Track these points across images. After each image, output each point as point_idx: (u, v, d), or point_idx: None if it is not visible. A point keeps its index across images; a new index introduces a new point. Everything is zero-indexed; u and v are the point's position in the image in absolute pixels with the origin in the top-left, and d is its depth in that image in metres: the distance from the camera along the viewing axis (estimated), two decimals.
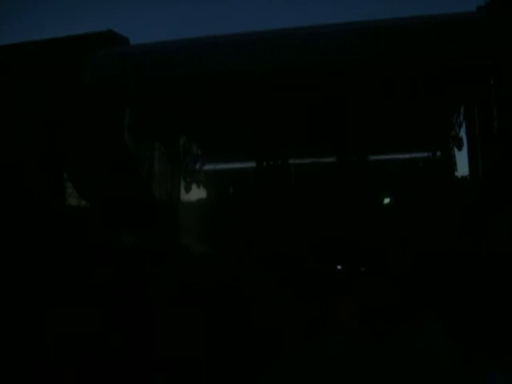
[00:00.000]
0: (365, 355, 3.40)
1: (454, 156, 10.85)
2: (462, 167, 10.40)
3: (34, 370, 4.63)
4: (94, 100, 7.75)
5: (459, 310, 4.98)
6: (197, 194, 12.35)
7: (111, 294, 5.95)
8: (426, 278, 5.70)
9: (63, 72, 7.85)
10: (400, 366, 3.28)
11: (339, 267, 8.59)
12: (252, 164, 12.76)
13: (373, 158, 12.22)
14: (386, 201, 11.85)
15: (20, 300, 5.62)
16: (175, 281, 6.63)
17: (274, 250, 8.72)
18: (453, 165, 10.96)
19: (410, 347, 3.35)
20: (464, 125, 9.33)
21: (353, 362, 3.38)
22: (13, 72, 8.27)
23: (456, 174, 10.85)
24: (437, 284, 5.53)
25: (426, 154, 12.13)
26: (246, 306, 5.73)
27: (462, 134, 9.60)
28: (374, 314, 3.64)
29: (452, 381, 3.25)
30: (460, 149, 10.00)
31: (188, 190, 11.77)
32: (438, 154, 11.85)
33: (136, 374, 4.76)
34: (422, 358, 3.27)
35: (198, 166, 12.21)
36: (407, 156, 12.36)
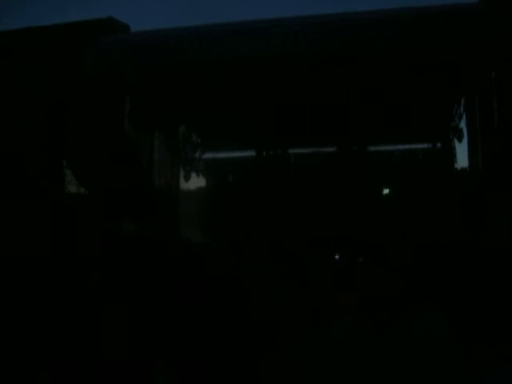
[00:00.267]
0: (364, 342, 3.42)
1: (454, 148, 10.85)
2: (462, 159, 10.40)
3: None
4: (94, 87, 7.73)
5: (459, 299, 5.01)
6: (196, 182, 12.35)
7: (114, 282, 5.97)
8: (426, 268, 5.71)
9: (64, 59, 7.81)
10: (399, 353, 3.30)
11: (337, 257, 8.64)
12: (252, 153, 12.74)
13: (373, 148, 12.21)
14: (386, 191, 11.85)
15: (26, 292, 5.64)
16: (175, 270, 6.66)
17: (273, 240, 8.75)
18: (453, 156, 10.96)
19: (410, 334, 3.37)
20: (464, 116, 9.32)
21: (352, 348, 3.40)
22: (13, 58, 8.23)
23: (456, 165, 10.85)
24: (437, 274, 5.55)
25: (426, 146, 12.12)
26: (245, 295, 5.75)
27: (463, 125, 9.60)
28: (373, 304, 3.65)
29: (451, 368, 3.27)
30: (460, 140, 9.99)
31: (187, 178, 11.77)
32: (438, 145, 11.84)
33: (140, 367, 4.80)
34: (422, 345, 3.30)
35: (197, 155, 12.20)
36: (407, 147, 12.35)
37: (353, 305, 3.71)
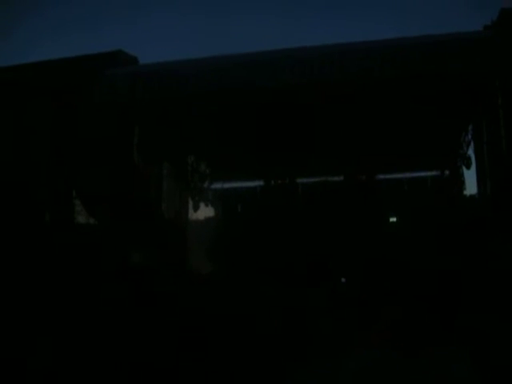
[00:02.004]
0: (390, 370, 3.41)
1: (463, 175, 10.81)
2: (471, 186, 10.36)
3: None
4: (104, 119, 7.82)
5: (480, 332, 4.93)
6: (205, 212, 12.36)
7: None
8: (440, 297, 5.68)
9: (74, 92, 7.93)
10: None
11: (343, 280, 8.61)
12: (260, 183, 12.76)
13: (381, 176, 12.19)
14: (394, 220, 11.81)
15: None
16: (181, 300, 6.65)
17: (281, 269, 8.71)
18: (461, 184, 10.92)
19: (435, 369, 3.35)
20: (472, 144, 9.31)
21: (378, 375, 3.39)
22: (24, 91, 8.36)
23: (465, 192, 10.81)
24: (452, 304, 5.51)
25: (434, 173, 12.11)
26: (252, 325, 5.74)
27: (471, 152, 9.57)
28: (401, 335, 3.65)
29: None
30: (468, 168, 9.95)
31: (196, 208, 11.78)
32: (447, 172, 11.82)
33: None
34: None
35: (206, 185, 12.23)
36: (416, 175, 12.34)
37: (382, 334, 3.71)
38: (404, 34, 7.52)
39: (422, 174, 12.34)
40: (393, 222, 11.79)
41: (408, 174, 12.45)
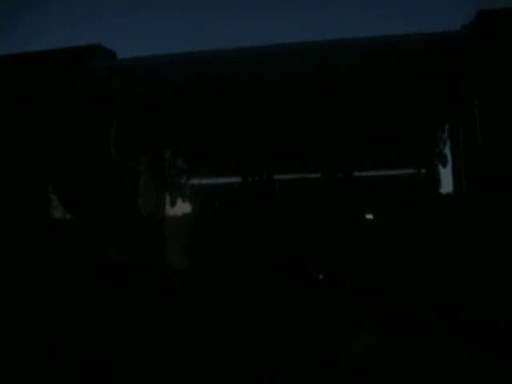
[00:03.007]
0: (394, 360, 3.44)
1: (439, 173, 10.92)
2: (447, 184, 10.47)
3: None
4: (81, 112, 7.73)
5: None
6: (182, 208, 12.30)
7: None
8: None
9: (51, 84, 7.81)
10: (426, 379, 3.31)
11: (321, 276, 8.65)
12: (237, 179, 12.74)
13: (358, 174, 12.26)
14: (370, 217, 11.89)
15: None
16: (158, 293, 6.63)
17: (258, 264, 8.72)
18: (437, 182, 11.03)
19: (440, 365, 3.38)
20: (448, 142, 9.41)
21: (381, 363, 3.41)
22: (0, 83, 8.23)
23: (440, 190, 10.92)
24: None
25: (411, 171, 12.21)
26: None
27: (447, 151, 9.68)
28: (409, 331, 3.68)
29: None
30: (445, 166, 10.07)
31: (173, 204, 11.72)
32: (423, 170, 11.92)
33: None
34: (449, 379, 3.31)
35: (183, 181, 12.17)
36: (392, 172, 12.43)
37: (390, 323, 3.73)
38: (381, 32, 7.58)
39: (399, 171, 12.43)
40: (369, 219, 11.87)
41: (385, 172, 12.52)
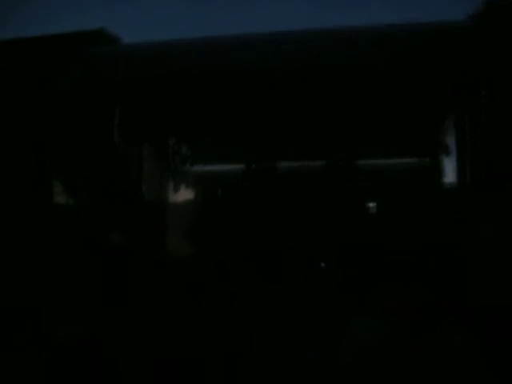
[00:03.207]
0: (395, 345, 3.47)
1: (442, 163, 10.91)
2: (450, 174, 10.45)
3: None
4: (84, 98, 7.72)
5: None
6: (185, 194, 12.31)
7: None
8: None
9: (54, 70, 7.80)
10: (427, 364, 3.33)
11: (322, 264, 8.68)
12: (241, 166, 12.73)
13: (361, 162, 12.24)
14: (373, 205, 11.90)
15: None
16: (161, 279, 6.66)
17: (261, 253, 8.74)
18: (440, 171, 11.02)
19: (439, 354, 3.41)
20: (453, 133, 9.38)
21: (382, 347, 3.44)
22: (1, 68, 8.21)
23: (444, 180, 10.91)
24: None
25: (414, 160, 12.18)
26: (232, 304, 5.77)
27: (451, 141, 9.65)
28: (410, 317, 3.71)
29: None
30: (448, 156, 10.06)
31: (177, 190, 11.73)
32: (427, 160, 11.90)
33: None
34: (448, 366, 3.34)
35: (187, 167, 12.17)
36: (396, 161, 12.41)
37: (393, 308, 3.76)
38: (387, 21, 7.53)
39: (402, 160, 12.41)
40: (372, 207, 11.87)
41: (387, 161, 12.51)
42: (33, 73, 7.97)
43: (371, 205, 11.91)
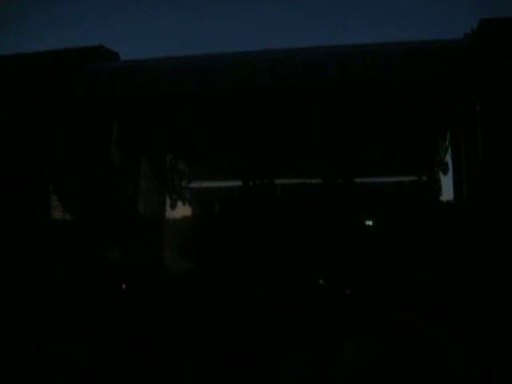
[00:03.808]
0: (388, 362, 3.43)
1: (440, 180, 10.92)
2: (448, 191, 10.47)
3: None
4: (83, 113, 7.76)
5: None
6: (182, 211, 12.30)
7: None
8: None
9: (55, 84, 7.87)
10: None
11: (321, 282, 8.63)
12: (238, 183, 12.73)
13: (359, 180, 12.25)
14: (370, 223, 11.86)
15: None
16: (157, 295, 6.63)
17: (258, 269, 8.70)
18: (438, 189, 11.03)
19: (432, 366, 3.38)
20: (450, 150, 9.41)
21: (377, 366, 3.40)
22: (5, 82, 8.27)
23: (441, 198, 10.92)
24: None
25: (411, 178, 12.20)
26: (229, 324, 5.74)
27: (448, 158, 9.68)
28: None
29: None
30: (445, 173, 10.07)
31: (173, 206, 11.72)
32: (424, 178, 11.92)
33: None
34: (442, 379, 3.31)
35: (184, 183, 12.18)
36: (393, 179, 12.43)
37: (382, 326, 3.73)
38: (385, 39, 7.59)
39: (400, 178, 12.42)
40: (370, 225, 11.84)
41: (385, 179, 12.53)
42: (35, 86, 8.05)
43: (370, 222, 11.89)
